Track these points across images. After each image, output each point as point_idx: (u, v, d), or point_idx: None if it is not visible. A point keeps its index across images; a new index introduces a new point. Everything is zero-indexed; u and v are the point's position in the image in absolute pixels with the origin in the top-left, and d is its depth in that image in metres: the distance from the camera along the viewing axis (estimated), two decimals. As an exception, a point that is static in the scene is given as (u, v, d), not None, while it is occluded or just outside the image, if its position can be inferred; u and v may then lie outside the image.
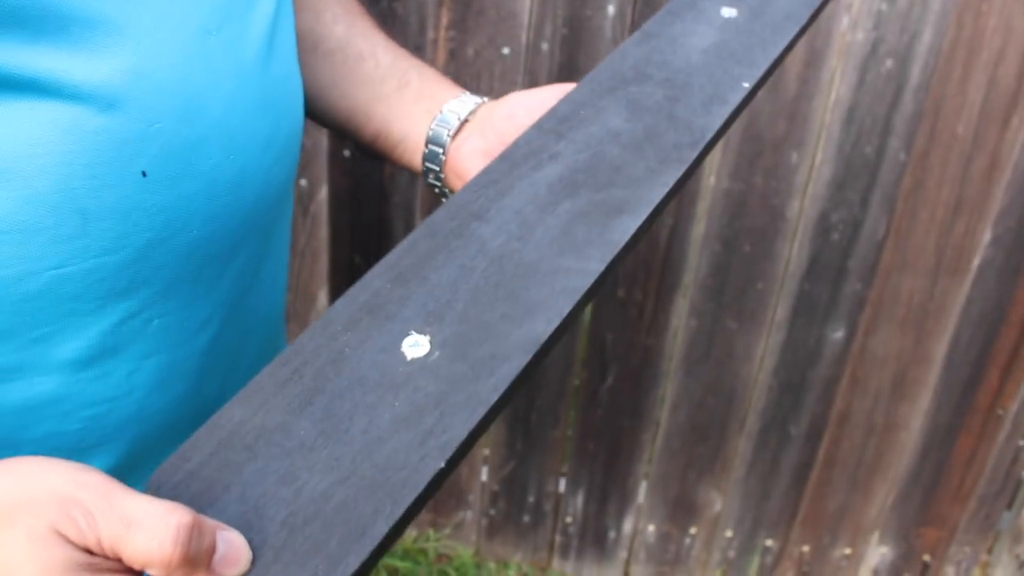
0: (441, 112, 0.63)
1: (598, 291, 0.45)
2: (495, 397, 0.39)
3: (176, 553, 0.34)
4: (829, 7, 1.21)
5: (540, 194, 0.49)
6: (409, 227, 1.35)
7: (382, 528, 0.35)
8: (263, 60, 0.52)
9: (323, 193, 1.31)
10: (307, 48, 0.66)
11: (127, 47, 0.45)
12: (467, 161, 0.61)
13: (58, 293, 0.47)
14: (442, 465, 0.37)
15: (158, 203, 0.48)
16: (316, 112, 0.68)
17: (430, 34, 1.22)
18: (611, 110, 0.55)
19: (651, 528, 1.63)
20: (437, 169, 0.64)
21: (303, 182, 1.30)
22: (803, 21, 0.63)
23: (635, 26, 1.23)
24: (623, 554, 1.66)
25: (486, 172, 0.50)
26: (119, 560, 0.35)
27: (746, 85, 0.57)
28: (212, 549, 0.35)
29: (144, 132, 0.46)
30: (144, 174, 0.47)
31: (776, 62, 0.60)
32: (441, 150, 0.63)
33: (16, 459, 0.37)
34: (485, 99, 0.65)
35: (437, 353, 0.41)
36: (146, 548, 0.34)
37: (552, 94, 0.60)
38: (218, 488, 0.36)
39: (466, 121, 0.63)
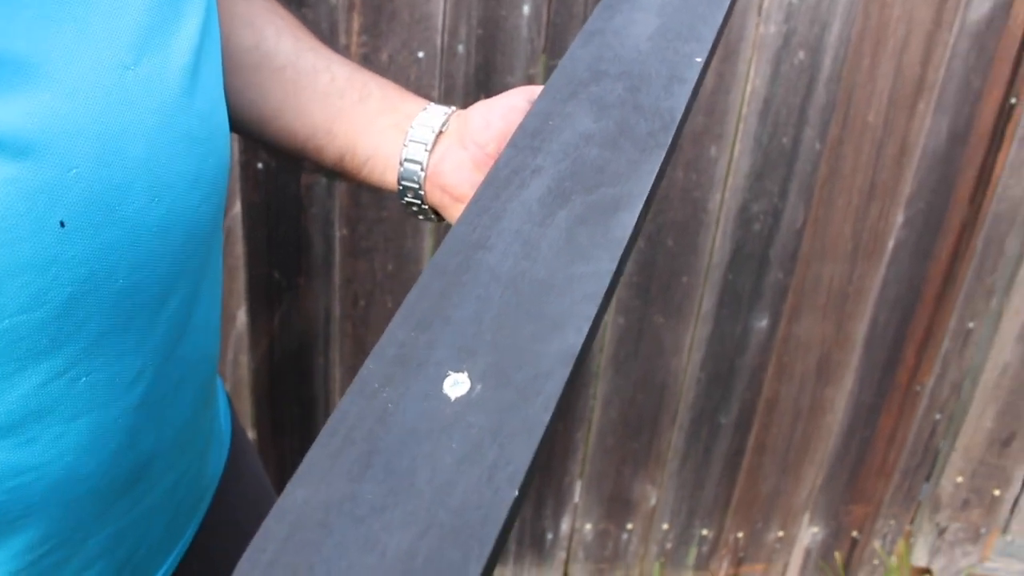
0: (412, 127, 0.60)
1: (615, 290, 0.45)
2: (548, 416, 0.39)
3: None
4: (741, 1, 1.22)
5: (534, 210, 0.48)
6: (328, 239, 1.31)
7: (475, 570, 0.34)
8: (186, 94, 0.48)
9: (236, 208, 1.25)
10: (251, 67, 0.61)
11: (38, 87, 0.41)
12: (454, 175, 0.58)
13: (-29, 359, 0.43)
14: (516, 494, 0.36)
15: (79, 254, 0.44)
16: (270, 136, 0.63)
17: (342, 39, 1.18)
18: (578, 114, 0.54)
19: (588, 526, 1.63)
20: (416, 186, 0.60)
21: (214, 198, 1.25)
22: None
23: (551, 25, 1.21)
24: (561, 554, 1.66)
25: (475, 201, 0.48)
26: None
27: (699, 60, 0.58)
28: None
29: (60, 179, 0.42)
30: (62, 224, 0.43)
31: (720, 31, 0.61)
32: (419, 167, 0.60)
33: None
34: (453, 108, 0.62)
35: (479, 387, 0.40)
36: None
37: (521, 96, 0.58)
38: (302, 571, 0.35)
39: (440, 133, 0.60)
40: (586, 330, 0.42)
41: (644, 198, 0.48)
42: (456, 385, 0.40)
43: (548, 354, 0.41)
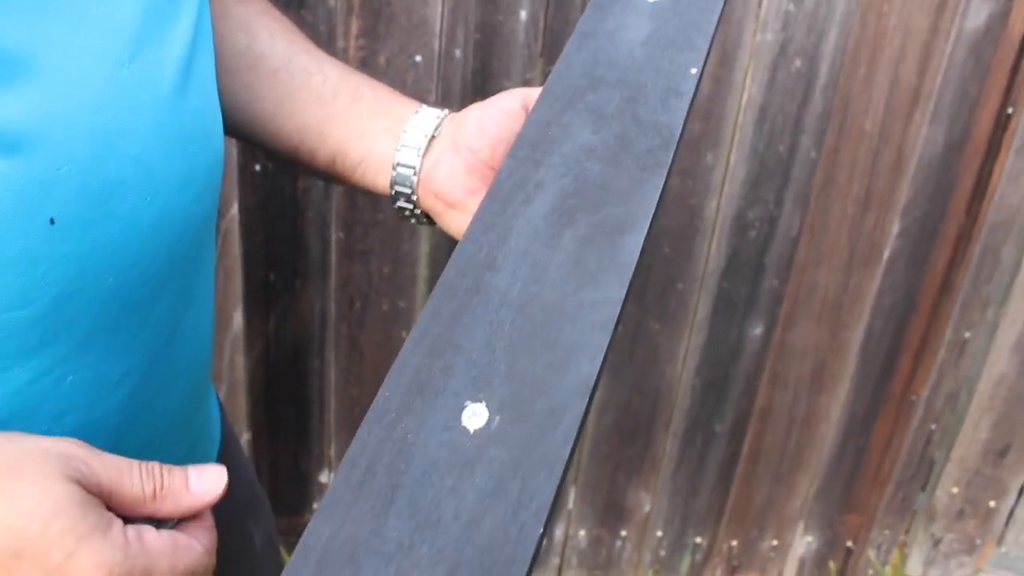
0: (405, 130, 0.60)
1: (623, 314, 0.45)
2: (567, 450, 0.39)
3: (158, 486, 0.42)
4: (738, 9, 1.22)
5: (540, 229, 0.48)
6: (325, 242, 1.31)
7: None
8: (180, 91, 0.48)
9: (234, 210, 1.25)
10: (245, 68, 0.61)
11: (32, 83, 0.41)
12: (448, 182, 0.58)
13: (-42, 355, 0.43)
14: (541, 530, 0.36)
15: (69, 252, 0.44)
16: (263, 138, 0.63)
17: (340, 43, 1.18)
18: (577, 124, 0.54)
19: (582, 533, 1.62)
20: (408, 191, 0.60)
21: (211, 200, 1.25)
22: None
23: (548, 30, 1.21)
24: (555, 560, 1.66)
25: (480, 217, 0.49)
26: (110, 502, 0.41)
27: (694, 71, 0.58)
28: (184, 480, 0.44)
29: (52, 176, 0.42)
30: (52, 221, 0.43)
31: (712, 41, 0.61)
32: (412, 171, 0.59)
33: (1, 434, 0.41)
34: (445, 111, 0.61)
35: (497, 418, 0.40)
36: (137, 487, 0.42)
37: (516, 100, 0.58)
38: None
39: (433, 137, 0.60)
40: (600, 360, 0.42)
41: (648, 220, 0.49)
42: (474, 416, 0.40)
43: (564, 385, 0.41)
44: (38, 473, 0.39)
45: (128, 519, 0.42)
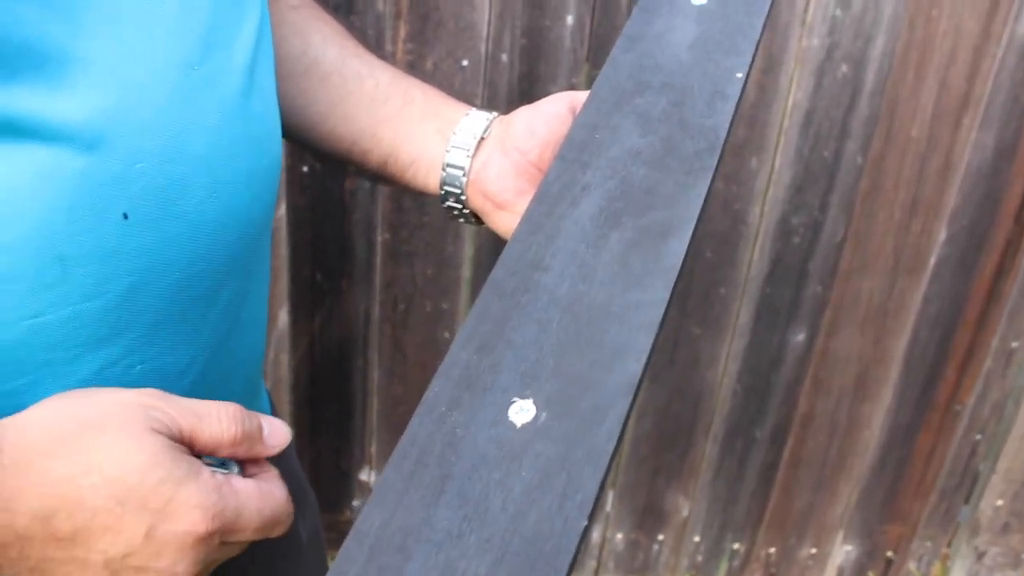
0: (455, 132, 0.61)
1: (667, 316, 0.46)
2: (612, 446, 0.40)
3: (238, 431, 0.44)
4: (784, 14, 1.22)
5: (587, 230, 0.49)
6: (370, 243, 1.33)
7: None
8: (245, 94, 0.50)
9: (282, 210, 1.28)
10: (300, 73, 0.63)
11: (107, 85, 0.43)
12: (497, 183, 0.59)
13: (35, 343, 0.44)
14: (585, 523, 0.37)
15: (140, 246, 0.45)
16: (317, 141, 0.65)
17: (388, 47, 1.20)
18: (624, 128, 0.55)
19: (619, 536, 1.63)
20: (458, 191, 0.61)
21: (260, 200, 1.27)
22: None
23: (593, 35, 1.22)
24: (592, 563, 1.66)
25: (528, 218, 0.50)
26: (192, 447, 0.43)
27: (740, 76, 0.58)
28: (260, 428, 0.46)
29: (125, 173, 0.44)
30: (125, 216, 0.44)
31: (758, 45, 0.62)
32: (461, 172, 0.61)
33: (79, 391, 0.44)
34: (494, 113, 0.63)
35: (544, 415, 0.41)
36: (217, 431, 0.44)
37: (564, 104, 0.59)
38: None
39: (482, 139, 0.61)
40: (644, 360, 0.43)
41: (693, 224, 0.49)
42: (522, 412, 0.41)
43: (609, 384, 0.42)
44: (125, 427, 0.41)
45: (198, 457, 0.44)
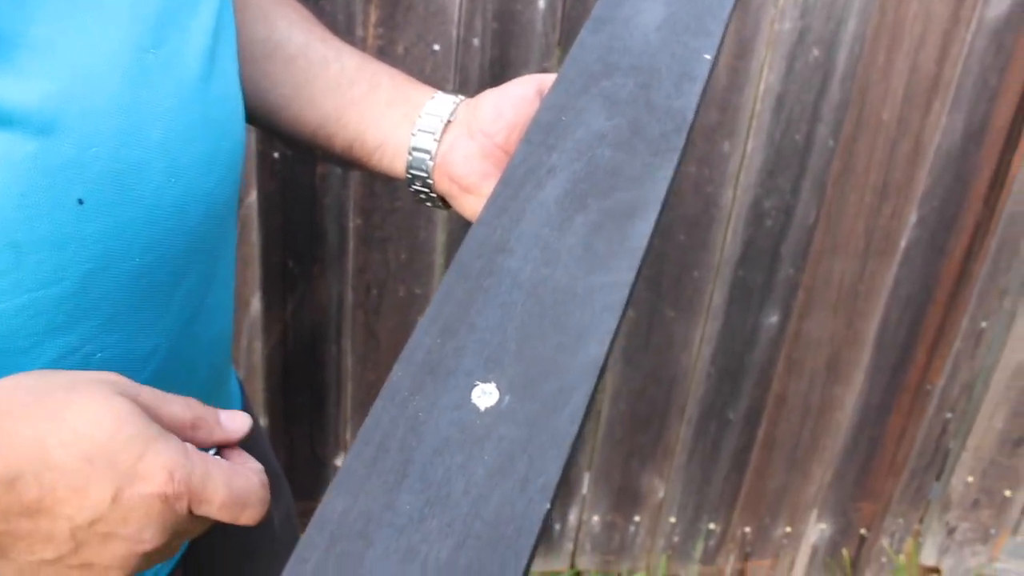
0: (421, 116, 0.61)
1: (632, 298, 0.46)
2: (575, 429, 0.40)
3: (197, 413, 0.45)
4: (756, -3, 1.22)
5: (552, 213, 0.49)
6: (342, 229, 1.32)
7: None
8: (203, 78, 0.49)
9: (253, 197, 1.27)
10: (264, 57, 0.62)
11: (60, 69, 0.42)
12: (463, 166, 0.59)
13: (-10, 332, 0.44)
14: (548, 507, 0.38)
15: (96, 231, 0.45)
16: (282, 125, 0.64)
17: (359, 32, 1.19)
18: (590, 110, 0.55)
19: (596, 518, 1.64)
20: (425, 175, 0.61)
21: (230, 186, 1.26)
22: None
23: (566, 19, 1.22)
24: (569, 546, 1.67)
25: (493, 201, 0.50)
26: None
27: (708, 57, 0.58)
28: (217, 416, 0.46)
29: (80, 157, 0.43)
30: (81, 201, 0.44)
31: (727, 26, 0.62)
32: (428, 156, 0.61)
33: (43, 370, 0.44)
34: (461, 97, 0.62)
35: (507, 398, 0.41)
36: (177, 410, 0.44)
37: (531, 86, 0.59)
38: None
39: (449, 122, 0.61)
40: (608, 342, 0.43)
41: (659, 205, 0.49)
42: (484, 395, 0.41)
43: (572, 366, 0.42)
44: (94, 387, 0.41)
45: None
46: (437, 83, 1.24)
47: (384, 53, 1.20)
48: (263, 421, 1.47)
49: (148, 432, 0.41)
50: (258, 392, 1.44)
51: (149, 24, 0.46)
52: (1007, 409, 1.53)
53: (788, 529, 1.66)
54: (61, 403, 0.41)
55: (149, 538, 0.41)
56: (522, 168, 0.51)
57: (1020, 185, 1.35)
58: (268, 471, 0.82)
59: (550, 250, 0.47)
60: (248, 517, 0.44)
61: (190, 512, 0.42)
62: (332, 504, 0.38)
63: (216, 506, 0.43)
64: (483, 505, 0.38)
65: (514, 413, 0.41)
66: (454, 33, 1.20)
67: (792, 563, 1.71)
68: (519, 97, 0.58)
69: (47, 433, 0.40)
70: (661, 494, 1.61)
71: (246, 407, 0.77)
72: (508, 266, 0.46)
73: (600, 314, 0.44)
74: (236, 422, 0.47)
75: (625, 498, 1.62)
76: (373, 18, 1.18)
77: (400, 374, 0.42)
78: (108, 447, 0.40)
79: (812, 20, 1.23)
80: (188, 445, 0.43)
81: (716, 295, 1.43)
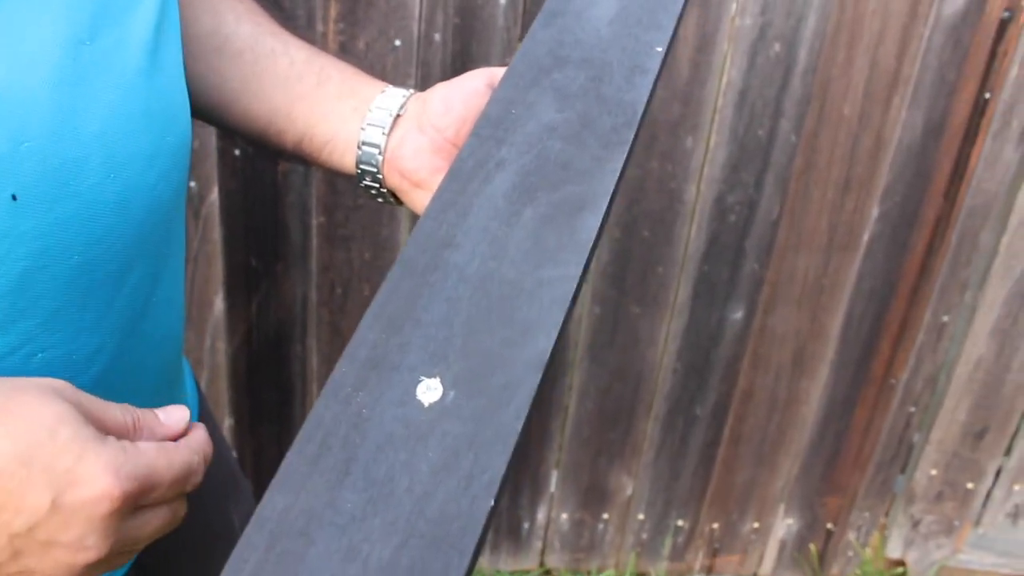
0: (370, 110, 0.60)
1: (580, 291, 0.46)
2: (520, 424, 0.39)
3: (139, 415, 0.45)
4: (718, -7, 1.22)
5: (499, 207, 0.48)
6: (306, 227, 1.31)
7: None
8: (145, 71, 0.48)
9: (214, 195, 1.25)
10: (212, 51, 0.61)
11: None
12: (413, 160, 0.58)
13: (-77, 333, 0.43)
14: (492, 504, 0.37)
15: (32, 228, 0.44)
16: (233, 121, 0.63)
17: (319, 27, 1.18)
18: (540, 103, 0.54)
19: (564, 516, 1.63)
20: (374, 170, 0.61)
21: (192, 184, 1.25)
22: None
23: (528, 14, 1.21)
24: (538, 544, 1.67)
25: (440, 195, 0.49)
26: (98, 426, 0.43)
27: (659, 50, 0.58)
28: (156, 415, 0.46)
29: (12, 152, 0.42)
30: (14, 197, 0.43)
31: (679, 20, 0.61)
32: (377, 150, 0.60)
33: None
34: (411, 90, 0.62)
35: (452, 393, 0.41)
36: (119, 414, 0.44)
37: (481, 79, 0.58)
38: None
39: (398, 116, 0.60)
40: (555, 335, 0.43)
41: (608, 198, 0.49)
42: (429, 391, 0.41)
43: (519, 360, 0.42)
44: (36, 395, 0.41)
45: None
46: (399, 79, 1.23)
47: (345, 49, 1.19)
48: (228, 422, 1.46)
49: (86, 432, 0.40)
50: (223, 392, 1.42)
51: (85, 16, 0.45)
52: (969, 402, 1.55)
53: (756, 524, 1.67)
54: None
55: (92, 544, 0.40)
56: (470, 161, 0.51)
57: (979, 180, 1.36)
58: (227, 472, 0.81)
59: (498, 244, 0.46)
60: (193, 484, 0.45)
61: (138, 509, 0.42)
62: (272, 502, 0.38)
63: (167, 485, 0.43)
64: (427, 503, 0.37)
65: (459, 409, 0.40)
66: (415, 28, 1.19)
67: (761, 558, 1.72)
68: (469, 91, 0.58)
69: None
70: (629, 491, 1.62)
71: (201, 404, 0.76)
72: (454, 261, 0.46)
73: (548, 308, 0.44)
74: (175, 416, 0.46)
75: (593, 496, 1.62)
76: (334, 13, 1.17)
77: (343, 370, 0.42)
78: (46, 448, 0.39)
79: (773, 16, 1.23)
80: (124, 442, 0.42)
81: (681, 291, 1.43)
